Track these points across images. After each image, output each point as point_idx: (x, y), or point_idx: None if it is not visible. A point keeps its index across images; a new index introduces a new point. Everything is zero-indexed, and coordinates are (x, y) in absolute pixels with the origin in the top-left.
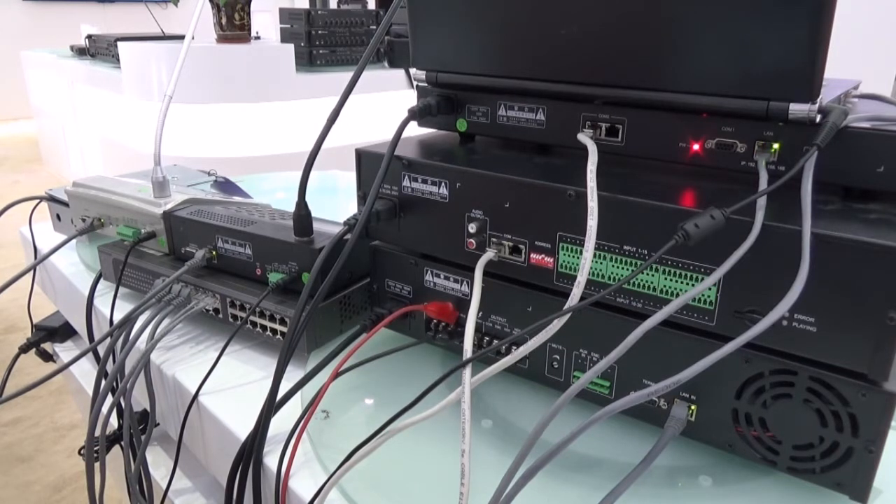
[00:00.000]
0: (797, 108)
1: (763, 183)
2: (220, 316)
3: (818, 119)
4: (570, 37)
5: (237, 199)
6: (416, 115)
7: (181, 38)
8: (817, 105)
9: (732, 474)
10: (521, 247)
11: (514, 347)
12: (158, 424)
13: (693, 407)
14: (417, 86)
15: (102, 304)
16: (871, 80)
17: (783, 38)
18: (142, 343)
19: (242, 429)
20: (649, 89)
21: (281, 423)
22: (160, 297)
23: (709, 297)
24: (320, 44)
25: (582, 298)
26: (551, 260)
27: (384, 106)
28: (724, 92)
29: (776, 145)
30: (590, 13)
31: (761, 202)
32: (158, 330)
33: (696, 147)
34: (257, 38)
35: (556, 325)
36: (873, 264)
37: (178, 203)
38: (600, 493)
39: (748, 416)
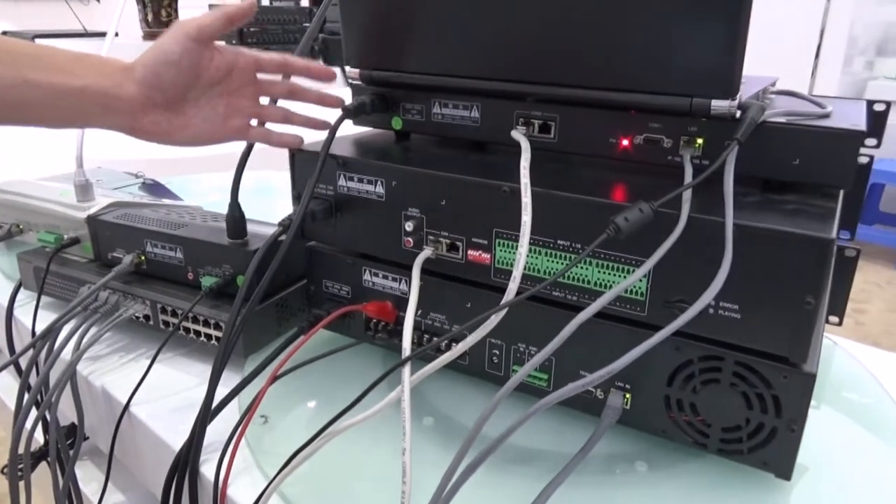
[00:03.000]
0: (718, 105)
1: (688, 177)
2: (151, 323)
3: (738, 115)
4: (503, 35)
5: (167, 201)
6: (351, 113)
7: (104, 35)
8: (737, 101)
9: (667, 459)
10: (459, 244)
11: (454, 344)
12: (88, 438)
13: (628, 396)
14: (351, 84)
15: (23, 314)
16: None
17: (704, 38)
18: (67, 354)
19: (177, 438)
20: (579, 87)
21: (218, 430)
22: (86, 305)
23: (640, 288)
24: (252, 41)
25: (519, 293)
26: (488, 256)
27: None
28: (650, 89)
29: (700, 140)
30: (521, 12)
31: (687, 195)
32: (85, 339)
33: (625, 143)
34: None
35: (494, 320)
36: (790, 252)
37: (103, 207)
38: (541, 483)
39: (679, 402)
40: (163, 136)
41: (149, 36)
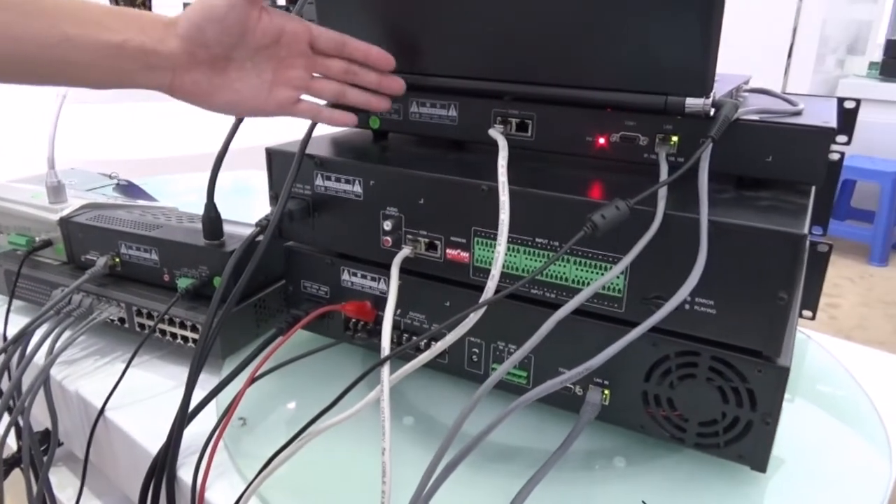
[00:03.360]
0: (692, 103)
1: (663, 174)
2: (126, 326)
3: (712, 112)
4: (480, 34)
5: (141, 202)
6: None
7: None
8: (711, 99)
9: (645, 454)
10: (437, 243)
11: (433, 342)
12: (62, 444)
13: (606, 392)
14: None
15: None
16: (763, 76)
17: (678, 37)
18: (40, 358)
19: (154, 442)
20: (556, 85)
21: (195, 433)
22: (59, 308)
23: (617, 285)
24: None
25: (497, 291)
26: (467, 255)
27: None
28: (626, 87)
29: (675, 138)
30: (498, 11)
31: (662, 192)
32: (58, 343)
33: (601, 141)
34: None
35: (472, 318)
36: (764, 248)
37: (76, 209)
38: (522, 480)
39: (657, 398)
40: (203, 98)
41: None
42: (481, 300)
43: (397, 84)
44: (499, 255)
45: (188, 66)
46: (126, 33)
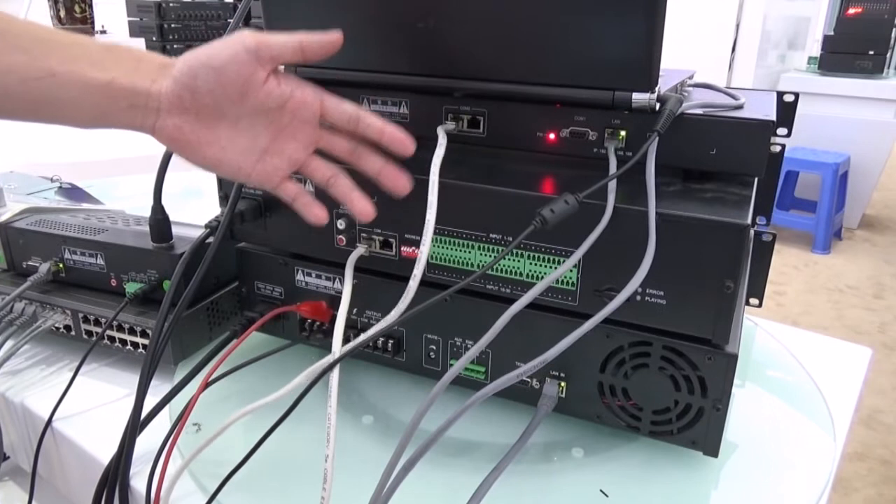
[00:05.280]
0: (639, 97)
1: (612, 168)
2: (73, 333)
3: (657, 107)
4: (429, 31)
5: (86, 206)
6: None
7: None
8: (656, 94)
9: (602, 443)
10: (392, 240)
11: (391, 341)
12: (8, 458)
13: (563, 384)
14: None
15: None
16: (709, 71)
17: (623, 33)
18: None
19: (105, 452)
20: (506, 82)
21: (149, 441)
22: (0, 317)
23: (570, 278)
24: (174, 38)
25: (447, 287)
26: None
27: None
28: (574, 83)
29: (623, 132)
30: (446, 8)
31: (612, 186)
32: (0, 353)
33: (552, 136)
34: (103, 32)
35: (398, 311)
36: (710, 238)
37: (15, 213)
38: (482, 474)
39: (612, 388)
40: (183, 146)
41: None
42: (404, 294)
43: (402, 181)
44: (422, 254)
45: (172, 109)
46: (115, 71)
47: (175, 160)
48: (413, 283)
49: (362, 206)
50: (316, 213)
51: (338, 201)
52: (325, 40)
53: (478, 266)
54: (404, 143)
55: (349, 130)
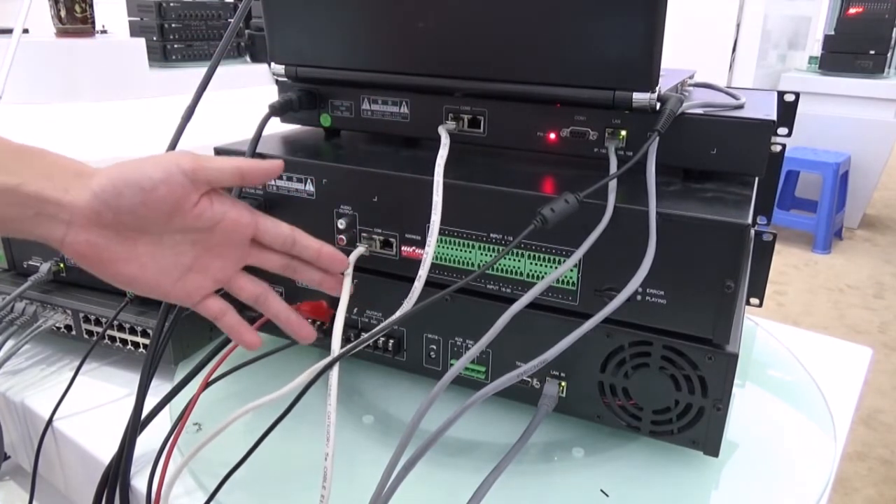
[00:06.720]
0: (639, 97)
1: (613, 167)
2: (73, 333)
3: (658, 107)
4: (430, 30)
5: None
6: (278, 110)
7: (10, 31)
8: (656, 94)
9: (602, 443)
10: (392, 240)
11: (392, 341)
12: (9, 457)
13: (563, 384)
14: (277, 81)
15: None
16: (709, 71)
17: (623, 33)
18: None
19: (106, 451)
20: (506, 81)
21: (149, 441)
22: (1, 317)
23: (571, 278)
24: (174, 38)
25: (446, 286)
26: (422, 251)
27: (247, 102)
28: (574, 83)
29: (623, 132)
30: (447, 7)
31: (613, 185)
32: (1, 353)
33: (552, 136)
34: (104, 31)
35: (401, 311)
36: (710, 238)
37: None
38: (482, 474)
39: (612, 387)
40: (95, 263)
41: (62, 33)
42: (407, 300)
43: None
44: (427, 255)
45: (88, 224)
46: (23, 176)
47: None
48: (418, 285)
49: (300, 327)
50: (247, 341)
51: (274, 321)
52: (266, 166)
53: (478, 266)
54: (342, 262)
55: (283, 251)
